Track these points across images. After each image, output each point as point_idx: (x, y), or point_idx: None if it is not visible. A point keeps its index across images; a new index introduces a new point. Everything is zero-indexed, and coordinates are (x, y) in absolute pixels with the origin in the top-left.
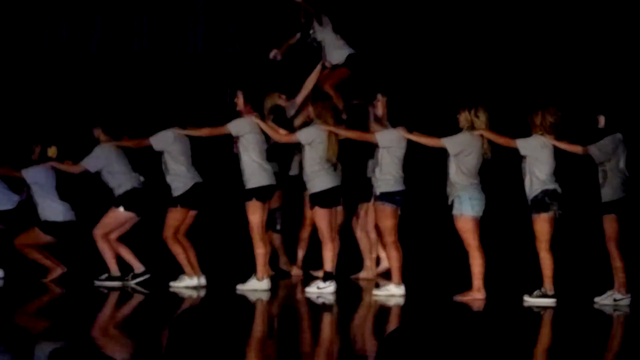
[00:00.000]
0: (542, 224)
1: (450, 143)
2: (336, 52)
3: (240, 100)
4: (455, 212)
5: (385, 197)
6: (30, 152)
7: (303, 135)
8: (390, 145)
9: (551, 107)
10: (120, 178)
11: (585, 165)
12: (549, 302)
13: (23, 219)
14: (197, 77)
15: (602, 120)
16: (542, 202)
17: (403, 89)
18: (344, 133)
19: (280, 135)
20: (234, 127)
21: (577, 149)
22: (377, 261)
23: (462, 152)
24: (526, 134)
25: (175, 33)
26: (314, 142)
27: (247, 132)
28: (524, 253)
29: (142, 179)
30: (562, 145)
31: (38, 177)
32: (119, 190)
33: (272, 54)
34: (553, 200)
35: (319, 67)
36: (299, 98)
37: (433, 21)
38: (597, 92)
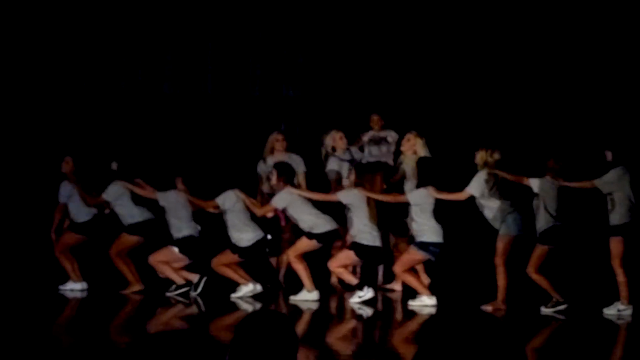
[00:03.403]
0: (543, 252)
1: (474, 189)
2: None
3: (274, 177)
4: (502, 232)
5: (421, 245)
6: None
7: (342, 197)
8: (420, 202)
9: (559, 155)
10: (181, 224)
11: (596, 194)
12: (562, 307)
13: (98, 230)
14: (254, 116)
15: (609, 155)
16: (549, 235)
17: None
18: (380, 197)
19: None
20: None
21: (586, 184)
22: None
23: (486, 190)
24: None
25: (236, 79)
26: (353, 204)
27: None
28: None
29: (199, 228)
30: (574, 184)
31: (117, 194)
32: (177, 235)
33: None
34: (559, 235)
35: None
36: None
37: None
38: (605, 129)
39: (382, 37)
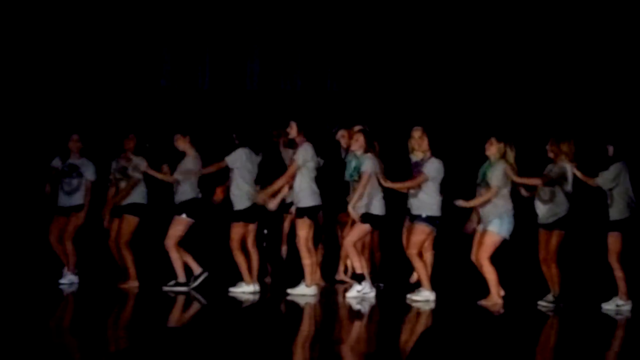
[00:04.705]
0: (557, 239)
1: (496, 181)
2: None
3: (293, 130)
4: (491, 228)
5: (429, 220)
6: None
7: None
8: (435, 175)
9: (573, 139)
10: (187, 187)
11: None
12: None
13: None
14: (253, 110)
15: (611, 150)
16: (563, 221)
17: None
18: (399, 186)
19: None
20: (301, 155)
21: (589, 181)
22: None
23: (506, 184)
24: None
25: (234, 72)
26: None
27: (308, 160)
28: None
29: (200, 195)
30: (581, 176)
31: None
32: (180, 197)
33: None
34: (568, 221)
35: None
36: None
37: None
38: (607, 124)
39: (382, 30)
